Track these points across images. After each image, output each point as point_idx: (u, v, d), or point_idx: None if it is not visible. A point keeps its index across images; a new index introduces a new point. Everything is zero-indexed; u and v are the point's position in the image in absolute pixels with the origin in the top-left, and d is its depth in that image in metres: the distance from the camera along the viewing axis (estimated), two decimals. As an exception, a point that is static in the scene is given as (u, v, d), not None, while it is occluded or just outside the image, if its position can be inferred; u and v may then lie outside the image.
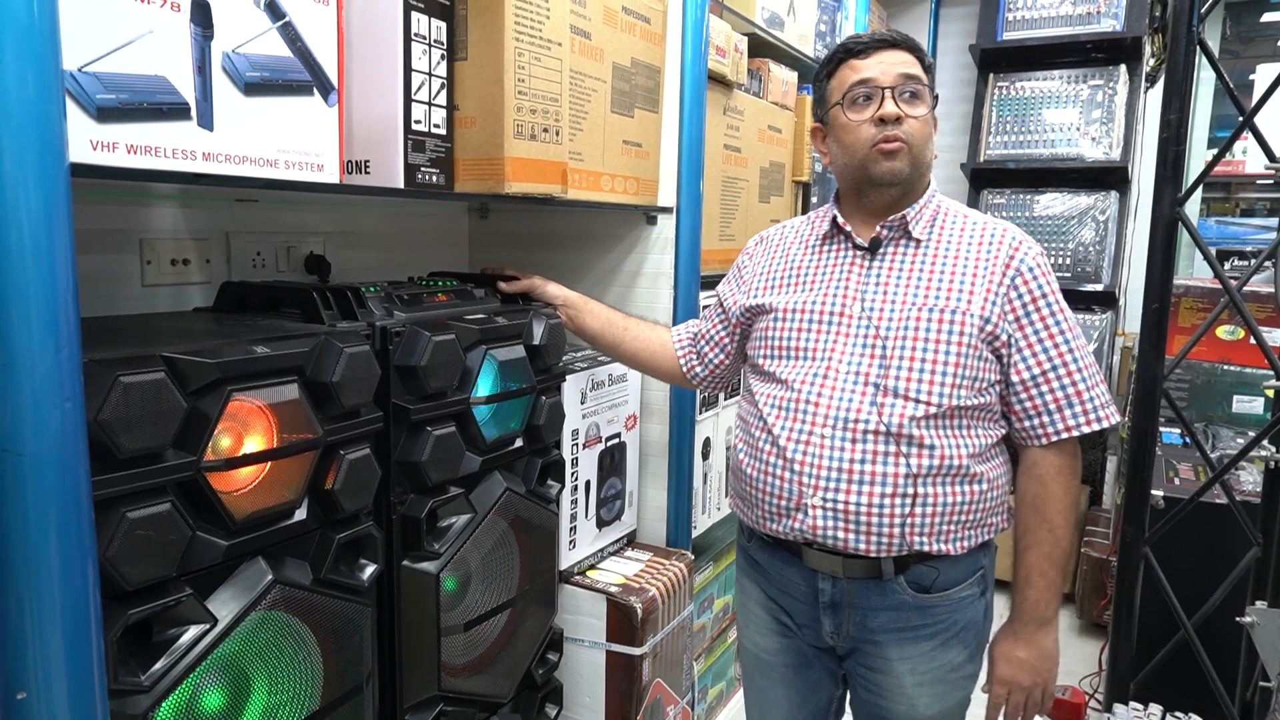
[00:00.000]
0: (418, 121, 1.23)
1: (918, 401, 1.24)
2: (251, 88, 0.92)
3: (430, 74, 1.24)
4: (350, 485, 1.14)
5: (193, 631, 0.97)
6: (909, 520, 1.25)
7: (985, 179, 3.53)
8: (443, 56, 1.27)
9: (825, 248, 1.39)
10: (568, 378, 1.66)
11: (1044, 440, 1.29)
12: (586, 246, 1.96)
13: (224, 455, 0.98)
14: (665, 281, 1.87)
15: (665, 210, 1.84)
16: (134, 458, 0.89)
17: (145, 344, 1.02)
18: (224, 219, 1.51)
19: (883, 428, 1.25)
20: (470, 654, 1.42)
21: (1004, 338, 1.25)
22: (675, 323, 1.84)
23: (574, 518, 1.73)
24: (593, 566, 1.82)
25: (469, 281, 1.69)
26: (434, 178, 1.28)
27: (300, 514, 1.09)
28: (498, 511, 1.43)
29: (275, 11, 0.94)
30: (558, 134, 1.39)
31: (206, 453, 0.96)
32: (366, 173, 1.25)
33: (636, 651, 1.68)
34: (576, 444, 1.71)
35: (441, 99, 1.28)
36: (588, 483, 1.76)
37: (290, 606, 1.09)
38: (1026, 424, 1.29)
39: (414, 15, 1.20)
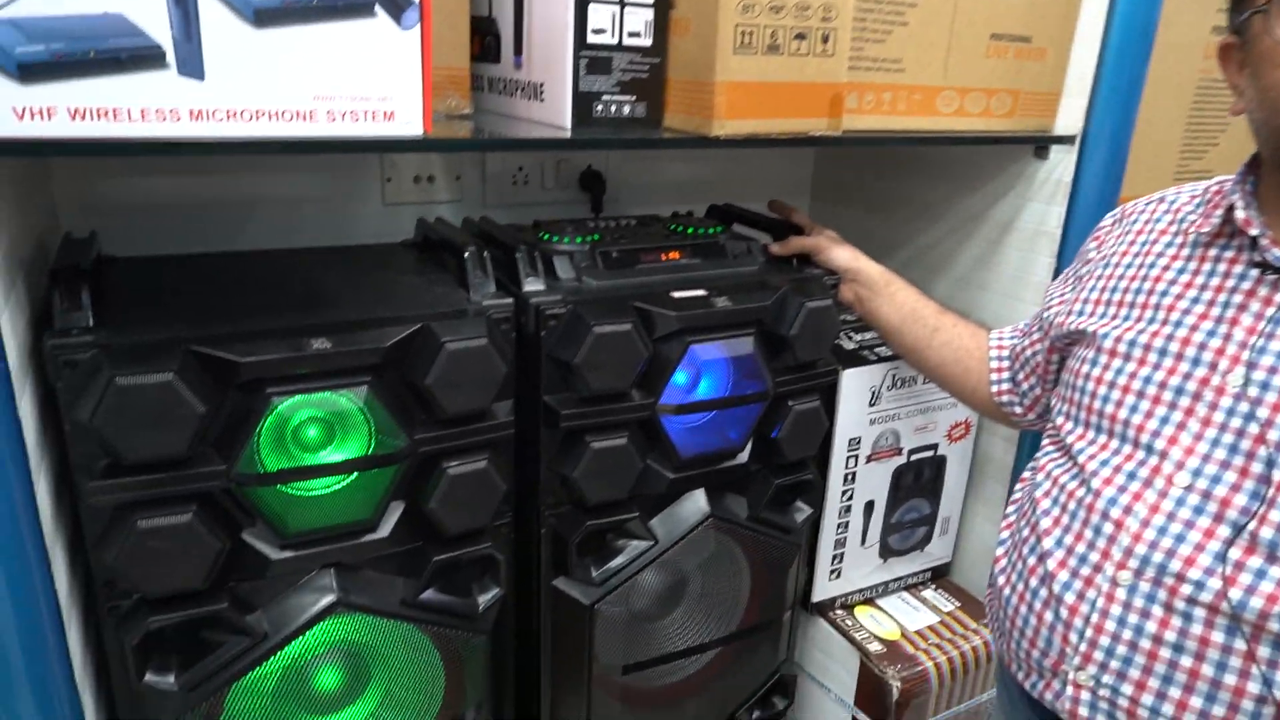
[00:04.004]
0: (598, 30, 0.88)
1: None
2: (266, 15, 0.68)
3: (626, -44, 0.87)
4: (458, 500, 0.93)
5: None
6: None
7: None
8: (652, -72, 0.88)
9: (1209, 254, 0.79)
10: (850, 371, 1.23)
11: None
12: (948, 177, 1.42)
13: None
14: (1046, 244, 1.26)
15: (1062, 140, 1.22)
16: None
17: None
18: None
19: (1229, 607, 0.71)
20: (640, 687, 1.18)
21: None
22: (1046, 308, 1.25)
23: (841, 544, 1.33)
24: (868, 601, 1.41)
25: (755, 223, 1.32)
26: (627, 109, 0.93)
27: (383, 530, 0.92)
28: (700, 537, 1.12)
29: (306, -102, 0.67)
30: (826, 40, 0.92)
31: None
32: (540, 99, 0.95)
33: (887, 735, 1.29)
34: (856, 455, 1.28)
35: (648, -8, 0.90)
36: (869, 503, 1.33)
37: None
38: None
39: None
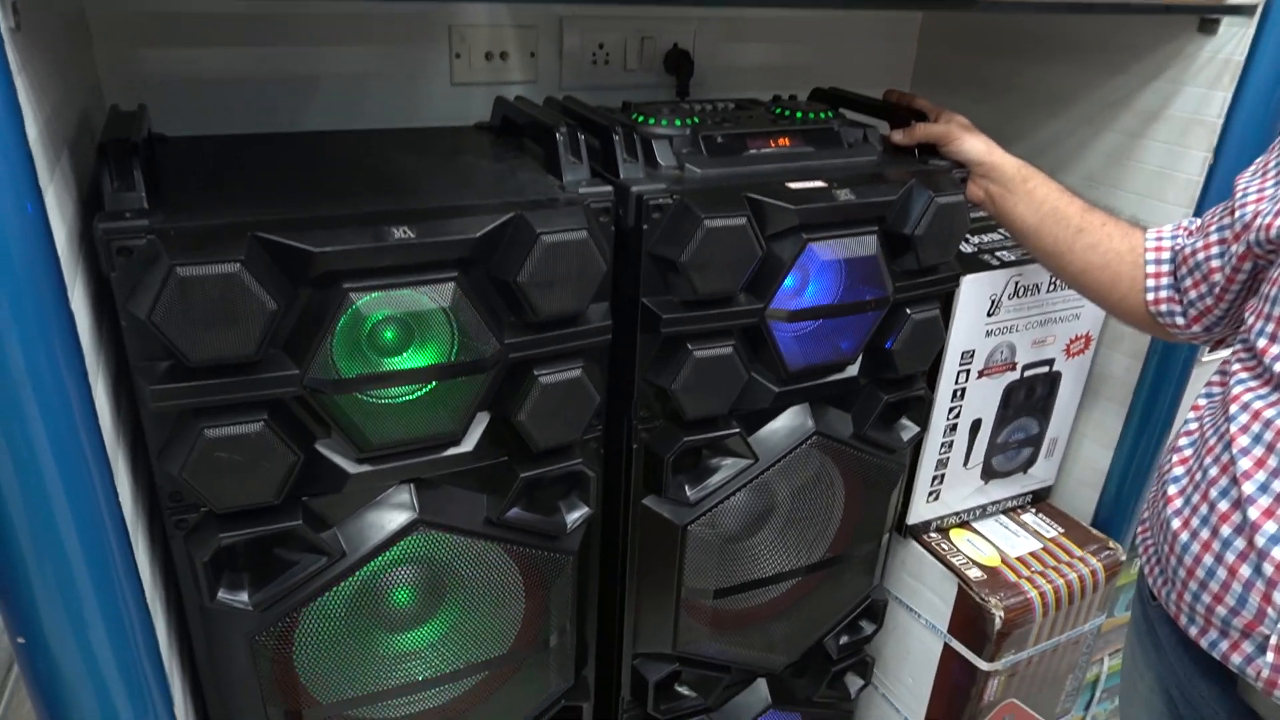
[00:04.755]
0: None
1: None
2: None
3: None
4: (550, 412, 0.84)
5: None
6: None
7: None
8: None
9: None
10: (969, 277, 1.10)
11: None
12: (1081, 60, 1.25)
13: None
14: (1202, 136, 1.11)
15: (1238, 10, 1.05)
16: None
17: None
18: (558, -2, 1.19)
19: None
20: (729, 610, 1.11)
21: None
22: (1199, 212, 1.11)
23: (943, 464, 1.24)
24: (964, 524, 1.32)
25: (865, 108, 1.18)
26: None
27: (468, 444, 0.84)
28: (802, 456, 1.03)
29: None
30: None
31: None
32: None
33: (984, 666, 1.21)
34: (968, 369, 1.17)
35: None
36: (976, 422, 1.23)
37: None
38: None
39: None
